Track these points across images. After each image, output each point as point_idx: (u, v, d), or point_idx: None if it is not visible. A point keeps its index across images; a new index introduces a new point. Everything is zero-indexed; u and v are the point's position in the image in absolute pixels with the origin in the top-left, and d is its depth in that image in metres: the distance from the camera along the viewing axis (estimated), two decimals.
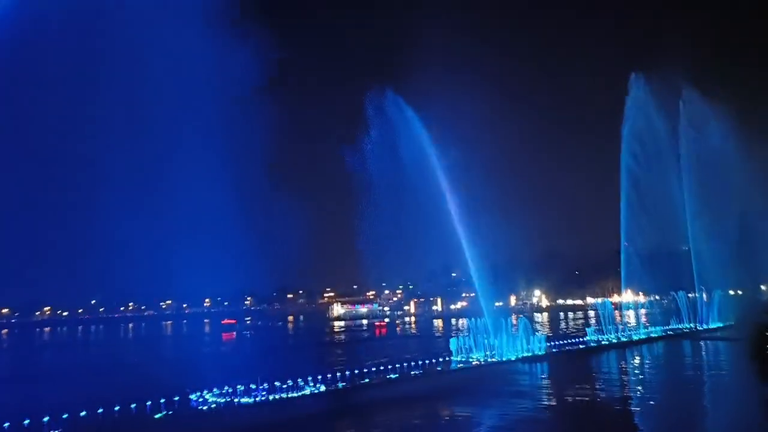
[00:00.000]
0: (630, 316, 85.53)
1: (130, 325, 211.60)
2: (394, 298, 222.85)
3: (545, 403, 40.25)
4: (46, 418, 30.02)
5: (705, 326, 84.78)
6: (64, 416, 30.39)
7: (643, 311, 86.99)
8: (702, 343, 72.03)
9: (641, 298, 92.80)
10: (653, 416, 35.51)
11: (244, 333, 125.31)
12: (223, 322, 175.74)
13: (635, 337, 73.98)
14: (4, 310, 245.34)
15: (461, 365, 51.90)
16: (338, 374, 42.41)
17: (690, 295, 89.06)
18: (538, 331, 67.41)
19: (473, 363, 53.07)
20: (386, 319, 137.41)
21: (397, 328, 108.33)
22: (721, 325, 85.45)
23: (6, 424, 28.46)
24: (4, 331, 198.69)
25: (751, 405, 30.72)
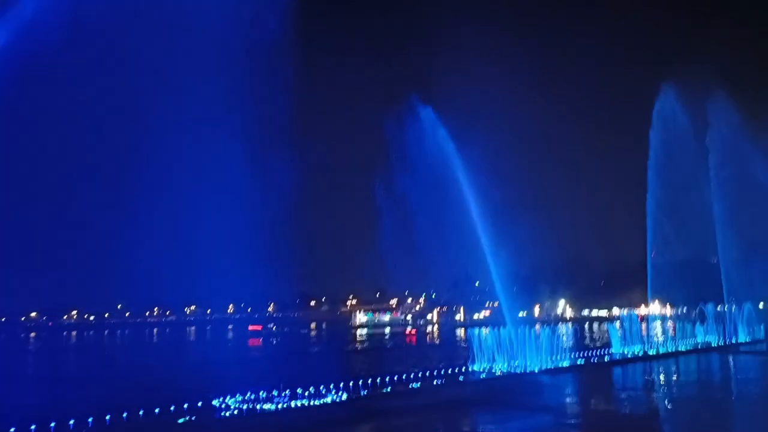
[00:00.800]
0: (657, 329, 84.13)
1: (155, 329, 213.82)
2: (417, 307, 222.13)
3: (570, 418, 39.71)
4: (71, 421, 30.35)
5: (734, 340, 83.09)
6: (89, 419, 30.69)
7: (670, 323, 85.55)
8: (731, 357, 70.59)
9: (668, 310, 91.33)
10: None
11: (271, 339, 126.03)
12: (249, 328, 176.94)
13: (662, 350, 72.76)
14: (33, 314, 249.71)
15: (484, 375, 51.48)
16: (360, 382, 42.31)
17: (719, 307, 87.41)
18: (562, 342, 66.61)
19: (496, 374, 52.61)
20: (410, 328, 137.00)
21: (427, 337, 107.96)
22: (750, 339, 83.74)
23: (32, 427, 28.84)
24: (32, 333, 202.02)
25: None
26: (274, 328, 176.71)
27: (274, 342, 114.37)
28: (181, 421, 33.28)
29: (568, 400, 46.40)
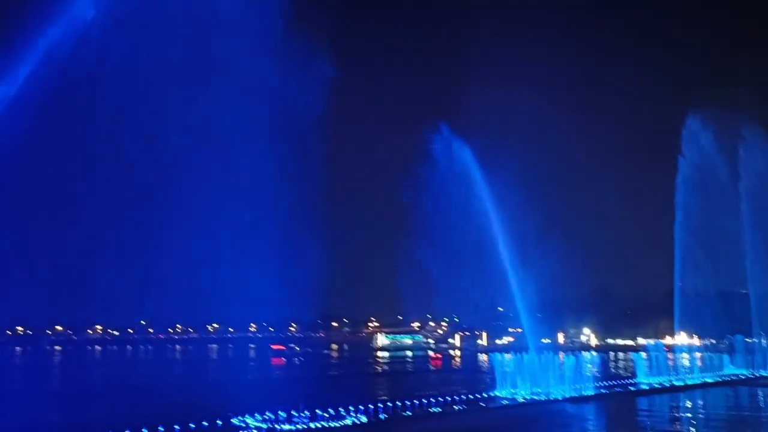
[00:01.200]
0: (684, 359, 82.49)
1: (177, 346, 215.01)
2: (439, 331, 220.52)
3: None
4: None
5: (764, 373, 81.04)
6: None
7: (697, 355, 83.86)
8: (760, 390, 68.75)
9: (696, 341, 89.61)
10: None
11: (293, 359, 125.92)
12: (273, 347, 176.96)
13: (689, 382, 71.21)
14: (58, 328, 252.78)
15: (506, 402, 50.82)
16: (380, 405, 42.04)
17: (748, 339, 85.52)
18: (586, 370, 65.58)
19: (519, 400, 51.92)
20: (436, 352, 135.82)
21: (453, 361, 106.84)
22: None
23: None
24: (57, 347, 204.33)
25: None
26: (297, 349, 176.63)
27: (297, 362, 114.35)
28: None
29: (592, 429, 45.56)
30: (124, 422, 31.47)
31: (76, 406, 31.82)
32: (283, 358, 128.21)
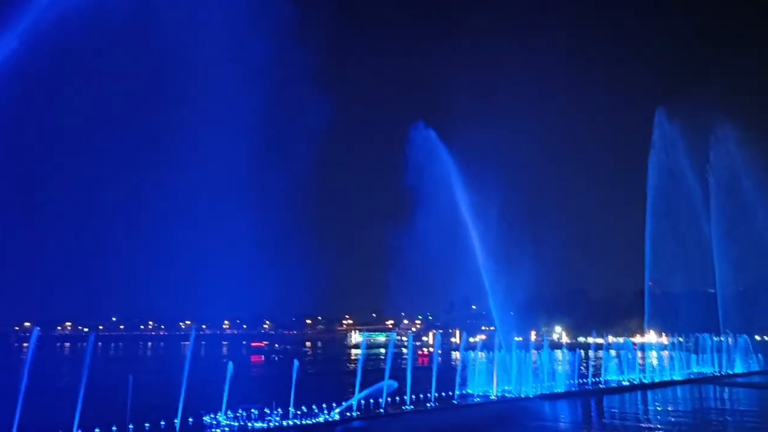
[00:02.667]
0: (653, 357, 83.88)
1: (149, 343, 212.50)
2: (413, 328, 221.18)
3: None
4: None
5: (730, 371, 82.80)
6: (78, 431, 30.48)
7: (665, 353, 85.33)
8: (727, 388, 70.18)
9: (664, 340, 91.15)
10: None
11: (272, 356, 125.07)
12: (252, 344, 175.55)
13: (657, 379, 72.47)
14: (27, 324, 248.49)
15: (478, 400, 51.21)
16: (353, 403, 42.10)
17: (715, 338, 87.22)
18: (558, 368, 66.33)
19: (491, 398, 52.35)
20: (424, 349, 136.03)
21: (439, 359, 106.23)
22: (746, 370, 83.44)
23: None
24: (24, 344, 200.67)
25: None
26: (276, 347, 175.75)
27: (276, 359, 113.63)
28: None
29: (563, 426, 46.11)
30: (93, 421, 31.09)
31: (43, 404, 31.32)
32: (262, 356, 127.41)
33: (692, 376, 76.93)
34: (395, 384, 45.01)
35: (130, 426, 32.15)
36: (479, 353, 60.14)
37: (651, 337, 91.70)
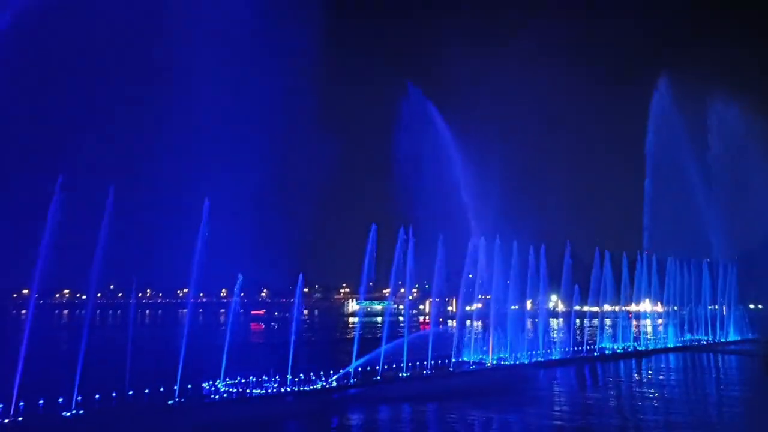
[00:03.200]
0: (647, 326, 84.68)
1: (147, 311, 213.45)
2: (410, 297, 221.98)
3: (558, 409, 40.02)
4: (60, 399, 30.41)
5: (723, 339, 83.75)
6: (78, 398, 30.75)
7: (660, 321, 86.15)
8: (720, 356, 71.14)
9: (659, 308, 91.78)
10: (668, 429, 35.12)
11: (272, 324, 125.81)
12: (252, 312, 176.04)
13: (651, 347, 73.29)
14: (24, 291, 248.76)
15: (473, 367, 51.72)
16: (350, 370, 42.50)
17: (710, 307, 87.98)
18: (553, 335, 67.03)
19: (487, 365, 52.86)
20: (424, 317, 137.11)
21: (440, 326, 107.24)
22: (739, 338, 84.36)
23: (21, 404, 28.87)
24: (23, 311, 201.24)
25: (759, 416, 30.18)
26: (276, 314, 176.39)
27: (276, 327, 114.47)
28: (170, 402, 33.40)
29: (557, 391, 46.75)
30: (93, 387, 31.34)
31: (42, 370, 31.57)
32: (262, 324, 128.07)
33: (686, 344, 77.82)
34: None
35: (130, 392, 32.42)
36: (476, 321, 60.57)
37: (646, 305, 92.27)
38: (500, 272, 59.05)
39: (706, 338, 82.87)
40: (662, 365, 62.94)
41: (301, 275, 44.46)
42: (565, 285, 68.29)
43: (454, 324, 58.32)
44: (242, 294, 40.96)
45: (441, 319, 60.63)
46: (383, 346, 45.92)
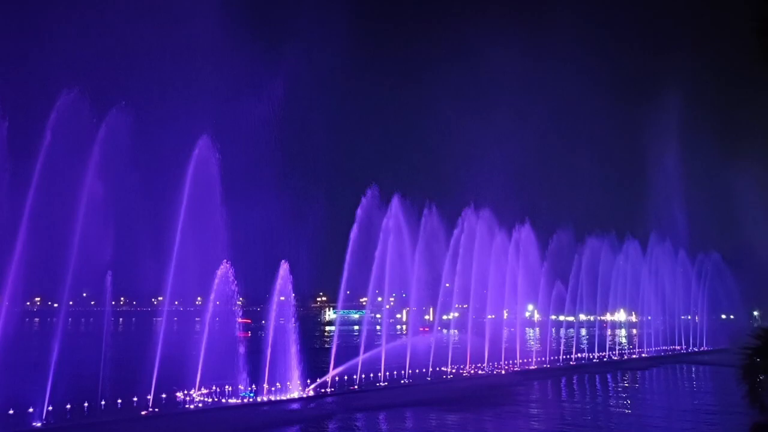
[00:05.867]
0: (622, 335, 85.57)
1: (120, 319, 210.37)
2: (387, 306, 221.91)
3: (534, 414, 40.24)
4: (30, 409, 29.75)
5: (696, 348, 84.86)
6: (49, 408, 30.12)
7: (634, 331, 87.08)
8: (693, 366, 72.10)
9: (634, 318, 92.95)
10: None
11: (260, 333, 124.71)
12: (238, 320, 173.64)
13: (626, 356, 73.97)
14: None
15: (450, 376, 51.70)
16: (327, 380, 42.28)
17: (683, 317, 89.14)
18: (530, 345, 67.41)
19: (463, 374, 52.88)
20: (423, 327, 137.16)
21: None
22: (711, 348, 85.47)
23: None
24: None
25: (735, 427, 30.49)
26: (263, 323, 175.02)
27: (262, 335, 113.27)
28: (143, 413, 32.87)
29: (535, 398, 46.97)
30: (65, 396, 30.70)
31: (12, 379, 30.86)
32: (248, 332, 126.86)
33: (660, 354, 78.68)
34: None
35: (102, 402, 31.84)
36: (453, 330, 60.69)
37: (620, 315, 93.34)
38: (479, 281, 59.26)
39: (680, 348, 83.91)
40: (636, 373, 63.60)
41: (275, 284, 44.15)
42: (542, 294, 68.63)
43: (456, 332, 58.95)
44: (218, 302, 40.50)
45: (439, 328, 60.63)
46: (361, 356, 45.79)
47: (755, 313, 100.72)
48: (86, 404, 31.35)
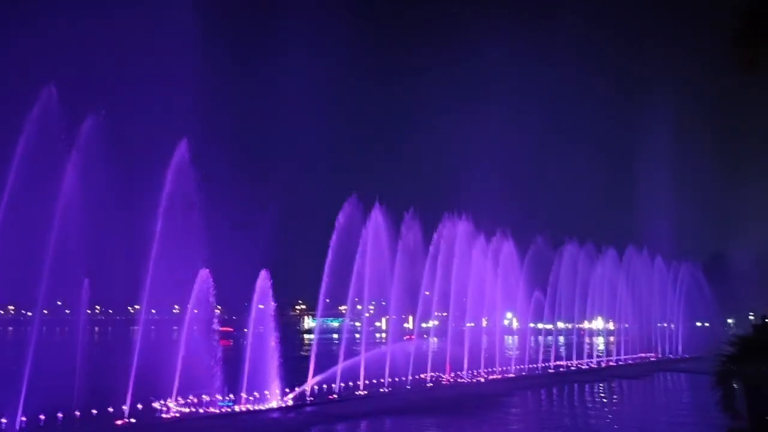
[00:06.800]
0: (599, 343, 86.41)
1: (96, 328, 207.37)
2: (366, 314, 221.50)
3: (513, 419, 40.47)
4: (3, 420, 29.16)
5: (672, 356, 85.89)
6: (23, 419, 29.55)
7: (611, 338, 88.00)
8: (669, 374, 72.95)
9: (611, 326, 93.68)
10: None
11: (242, 341, 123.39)
12: (221, 329, 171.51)
13: (603, 364, 74.62)
14: None
15: (430, 384, 51.67)
16: (306, 389, 42.03)
17: (659, 324, 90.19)
18: (508, 353, 67.70)
19: (443, 382, 52.90)
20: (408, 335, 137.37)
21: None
22: (687, 356, 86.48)
23: None
24: None
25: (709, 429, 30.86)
26: (245, 331, 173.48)
27: (244, 343, 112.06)
28: (118, 422, 32.39)
29: (512, 403, 47.18)
30: (38, 407, 30.14)
31: None
32: (231, 340, 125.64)
33: (636, 361, 79.49)
34: None
35: (77, 412, 31.30)
36: (432, 338, 60.74)
37: (598, 323, 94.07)
38: (458, 289, 59.42)
39: (655, 355, 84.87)
40: (612, 379, 64.26)
41: (254, 292, 43.88)
42: (521, 302, 68.98)
43: (435, 339, 59.09)
44: (196, 311, 40.10)
45: (425, 335, 60.71)
46: (340, 364, 45.61)
47: (729, 320, 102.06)
48: (60, 415, 30.80)
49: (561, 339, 76.39)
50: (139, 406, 33.80)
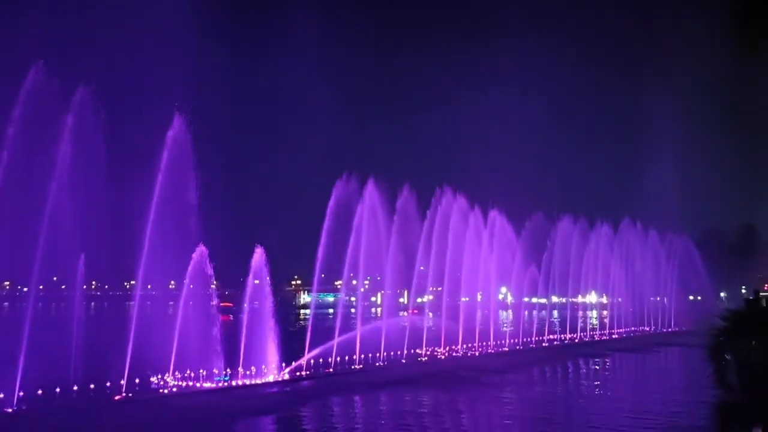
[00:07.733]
0: (593, 317, 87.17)
1: (92, 303, 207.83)
2: (362, 289, 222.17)
3: (507, 395, 40.92)
4: (0, 395, 29.34)
5: (664, 330, 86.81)
6: (20, 394, 29.73)
7: (605, 312, 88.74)
8: (663, 346, 73.72)
9: (605, 300, 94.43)
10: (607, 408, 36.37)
11: (241, 316, 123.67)
12: (221, 304, 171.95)
13: (596, 337, 75.33)
14: None
15: (425, 359, 52.10)
16: (302, 363, 42.37)
17: (652, 298, 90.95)
18: (503, 327, 68.24)
19: (438, 356, 53.35)
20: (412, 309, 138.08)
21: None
22: (678, 329, 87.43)
23: None
24: None
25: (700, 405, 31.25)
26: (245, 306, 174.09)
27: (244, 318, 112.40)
28: (116, 397, 32.63)
29: (507, 381, 47.66)
30: (36, 382, 30.30)
31: None
32: (230, 315, 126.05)
33: (629, 334, 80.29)
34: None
35: (74, 387, 31.50)
36: (428, 313, 61.12)
37: (592, 297, 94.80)
38: (452, 264, 59.67)
39: (648, 328, 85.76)
40: (606, 352, 65.01)
41: (250, 267, 43.97)
42: (515, 277, 69.35)
43: (431, 314, 59.53)
44: (191, 285, 40.17)
45: (429, 312, 61.24)
46: (336, 339, 45.94)
47: (722, 294, 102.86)
48: (58, 389, 30.98)
49: (555, 313, 76.97)
50: (137, 380, 34.01)
